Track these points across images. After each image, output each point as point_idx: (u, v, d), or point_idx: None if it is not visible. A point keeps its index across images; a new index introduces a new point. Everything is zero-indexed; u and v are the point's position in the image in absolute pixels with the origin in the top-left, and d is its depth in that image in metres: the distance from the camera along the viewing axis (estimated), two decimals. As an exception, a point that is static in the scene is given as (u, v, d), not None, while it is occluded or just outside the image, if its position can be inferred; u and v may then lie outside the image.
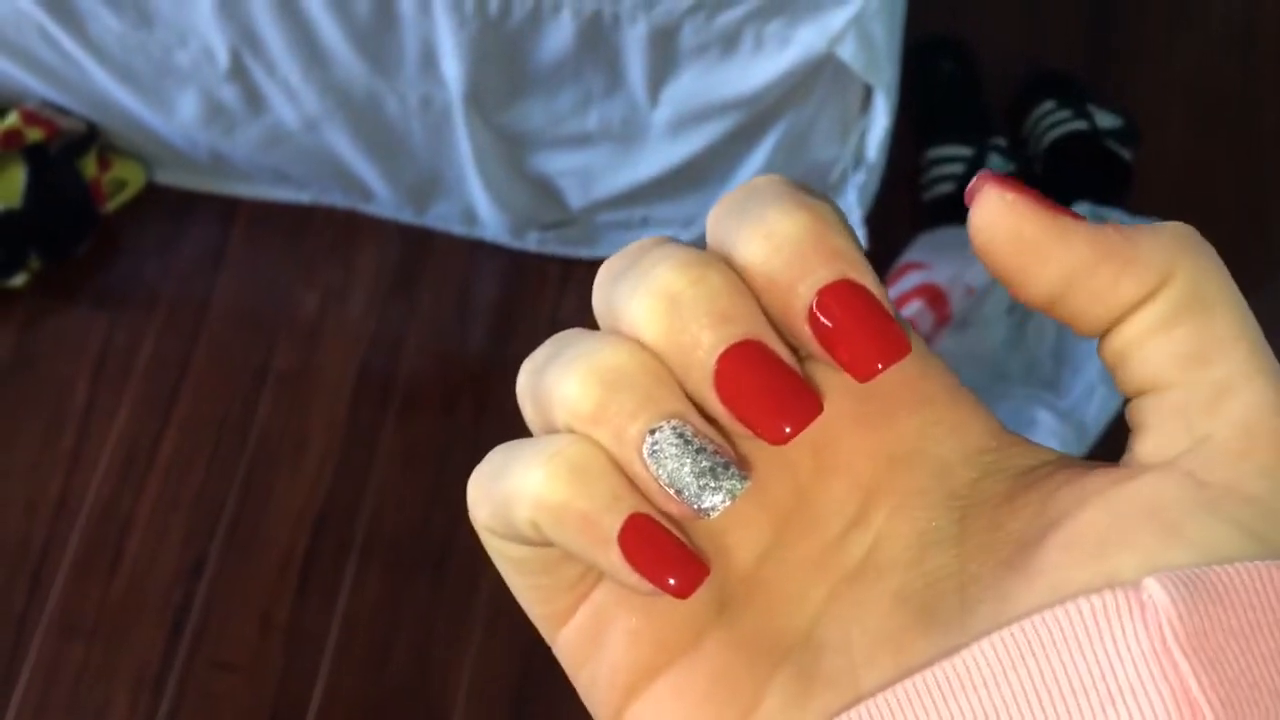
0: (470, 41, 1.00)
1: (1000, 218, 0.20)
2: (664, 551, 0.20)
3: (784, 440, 0.20)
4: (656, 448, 0.20)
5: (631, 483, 0.20)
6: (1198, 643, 0.17)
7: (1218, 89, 1.37)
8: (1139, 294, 0.20)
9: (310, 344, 1.20)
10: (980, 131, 1.28)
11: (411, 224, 1.24)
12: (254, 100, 1.09)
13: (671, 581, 0.20)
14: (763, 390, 0.20)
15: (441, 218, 1.23)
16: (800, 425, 0.20)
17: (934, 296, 1.19)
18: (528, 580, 0.22)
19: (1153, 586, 0.17)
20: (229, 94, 1.09)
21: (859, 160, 1.08)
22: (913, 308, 1.18)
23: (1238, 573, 0.18)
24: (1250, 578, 0.18)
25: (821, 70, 1.00)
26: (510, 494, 0.20)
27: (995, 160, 1.26)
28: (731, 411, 0.20)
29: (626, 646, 0.22)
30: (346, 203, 1.23)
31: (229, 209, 1.24)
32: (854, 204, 1.11)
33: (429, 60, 1.03)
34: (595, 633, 0.22)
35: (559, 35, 1.00)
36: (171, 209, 1.24)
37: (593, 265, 1.24)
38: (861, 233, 1.14)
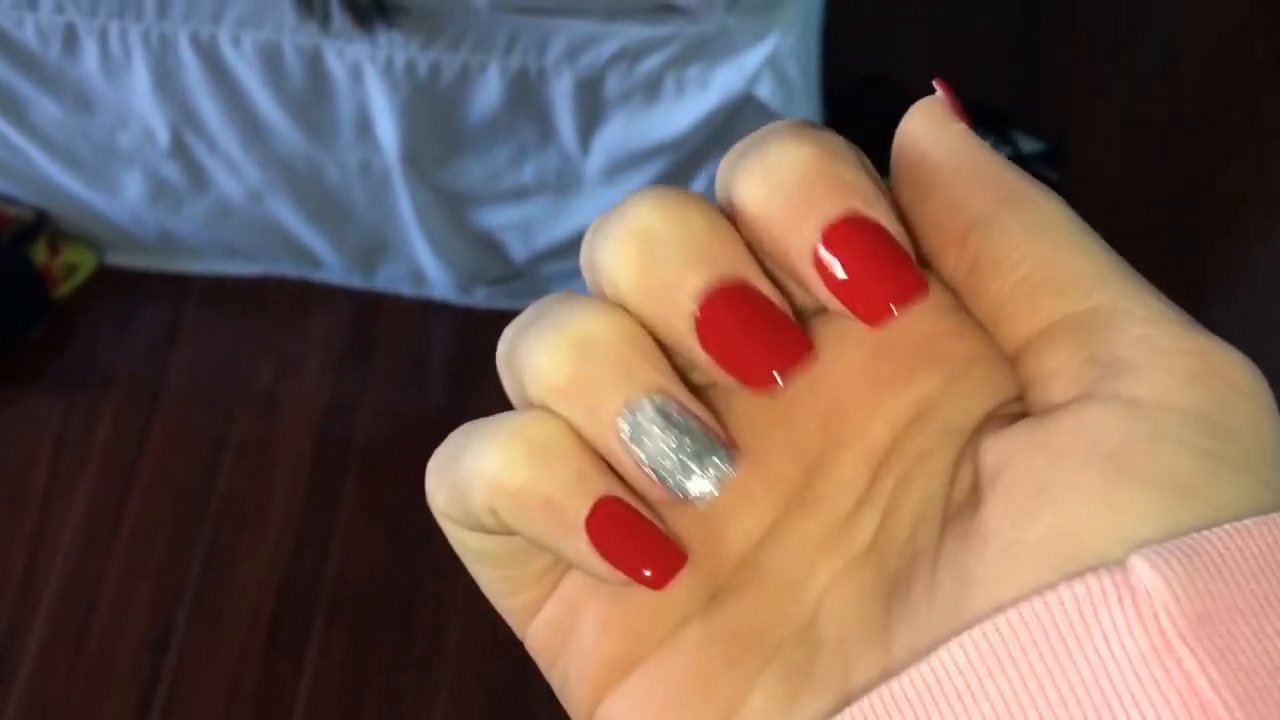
0: (403, 105, 1.04)
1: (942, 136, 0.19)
2: (636, 538, 0.18)
3: (771, 386, 0.18)
4: (636, 426, 0.18)
5: (600, 463, 0.18)
6: (1202, 631, 0.15)
7: (1143, 113, 1.42)
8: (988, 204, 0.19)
9: (267, 413, 1.22)
10: (910, 163, 1.32)
11: (361, 288, 1.26)
12: (197, 176, 1.12)
13: (646, 572, 0.18)
14: (748, 332, 0.18)
15: (390, 280, 1.25)
16: (788, 366, 0.18)
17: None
18: (492, 572, 0.21)
19: (1141, 568, 0.15)
20: (172, 172, 1.11)
21: (789, 195, 1.11)
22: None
23: (1235, 536, 0.15)
24: (1251, 540, 0.16)
25: (743, 110, 1.03)
26: (466, 477, 0.18)
27: (926, 190, 1.30)
28: (715, 358, 0.18)
29: (597, 638, 0.20)
30: (296, 272, 1.26)
31: (180, 286, 1.26)
32: (788, 238, 1.14)
33: (364, 126, 1.06)
34: (566, 625, 0.20)
35: (488, 93, 1.04)
36: (123, 290, 1.26)
37: (542, 317, 1.27)
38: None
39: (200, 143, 1.09)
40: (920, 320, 0.19)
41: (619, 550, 0.18)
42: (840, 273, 0.18)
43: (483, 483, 0.18)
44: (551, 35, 1.00)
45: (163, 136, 1.08)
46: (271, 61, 1.02)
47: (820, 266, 0.18)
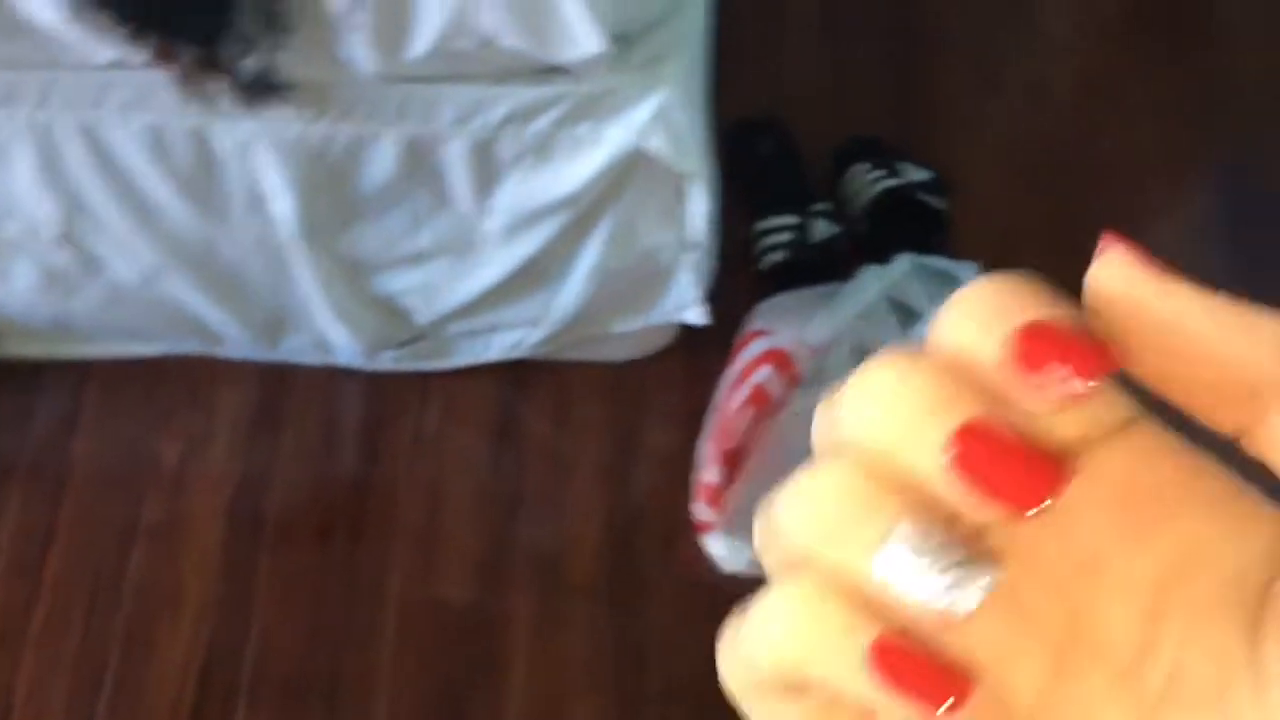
0: (296, 177, 1.03)
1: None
2: (919, 668, 0.19)
3: (1034, 505, 0.18)
4: (892, 559, 0.18)
5: (871, 606, 0.19)
6: None
7: (1022, 139, 1.46)
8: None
9: (176, 494, 1.20)
10: (804, 200, 1.35)
11: (267, 360, 1.25)
12: (89, 262, 1.11)
13: (939, 698, 0.19)
14: (1002, 461, 0.18)
15: (295, 350, 1.24)
16: (1047, 490, 0.18)
17: (780, 360, 1.24)
18: None
19: None
20: (63, 259, 1.10)
21: (688, 242, 1.13)
22: (762, 373, 1.23)
23: None
24: None
25: (637, 162, 1.05)
26: (751, 652, 0.20)
27: (820, 224, 1.32)
28: (972, 484, 0.18)
29: None
30: (199, 349, 1.24)
31: (81, 371, 1.24)
32: (690, 284, 1.16)
33: (257, 199, 1.06)
34: None
35: (382, 161, 1.04)
36: (21, 380, 1.23)
37: (451, 376, 1.27)
38: (701, 310, 1.19)
39: (90, 228, 1.07)
40: (1175, 459, 0.19)
41: (904, 682, 0.19)
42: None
43: (766, 649, 0.20)
44: (441, 102, 1.01)
45: (50, 224, 1.07)
46: (158, 144, 1.01)
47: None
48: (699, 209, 1.08)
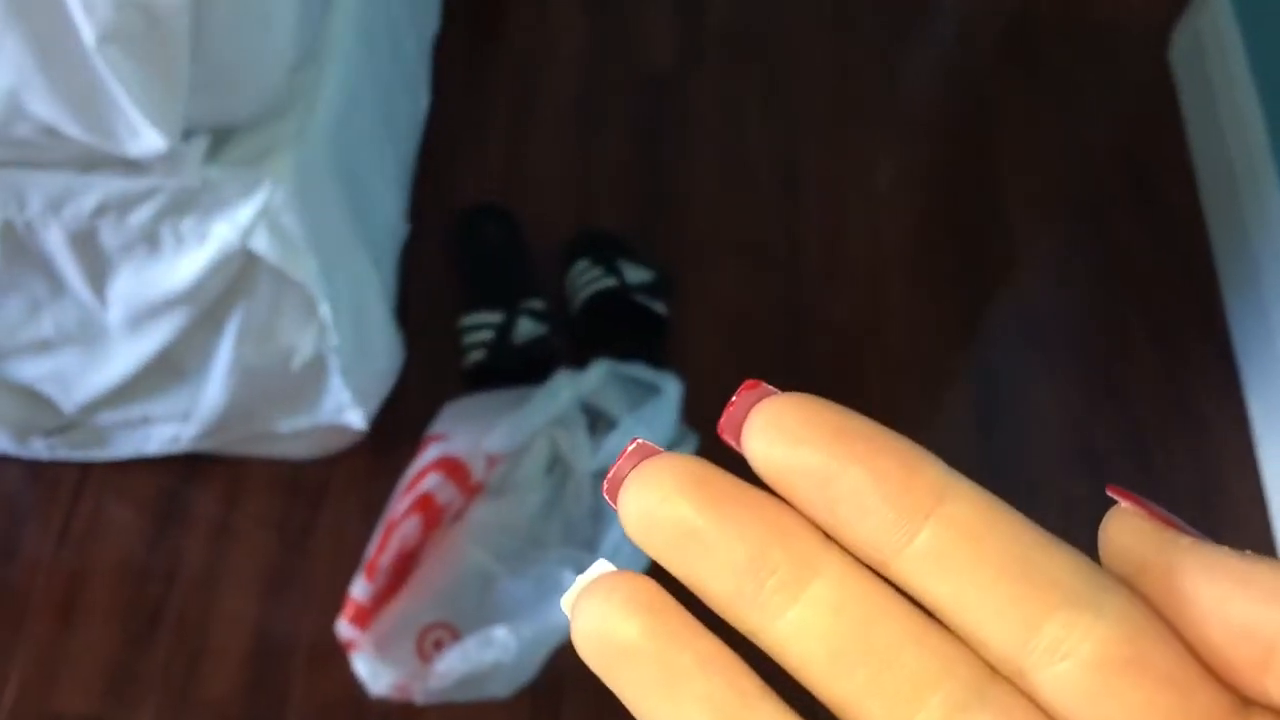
0: (-116, 259, 0.97)
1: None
2: None
3: None
4: None
5: None
6: None
7: (761, 233, 1.40)
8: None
9: None
10: (516, 295, 1.28)
11: (-89, 441, 1.18)
12: None
13: None
14: None
15: (-59, 433, 1.17)
16: None
17: (453, 468, 1.17)
18: None
19: None
20: None
21: (329, 345, 1.06)
22: (431, 481, 1.15)
23: None
24: None
25: (257, 261, 0.98)
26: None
27: (525, 324, 1.26)
28: None
29: None
30: None
31: None
32: (339, 387, 1.09)
33: None
34: None
35: (-23, 246, 0.97)
36: None
37: (115, 467, 1.20)
38: (360, 413, 1.12)
39: None
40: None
41: None
42: None
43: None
44: (28, 188, 0.94)
45: None
46: None
47: None
48: (326, 313, 1.01)
